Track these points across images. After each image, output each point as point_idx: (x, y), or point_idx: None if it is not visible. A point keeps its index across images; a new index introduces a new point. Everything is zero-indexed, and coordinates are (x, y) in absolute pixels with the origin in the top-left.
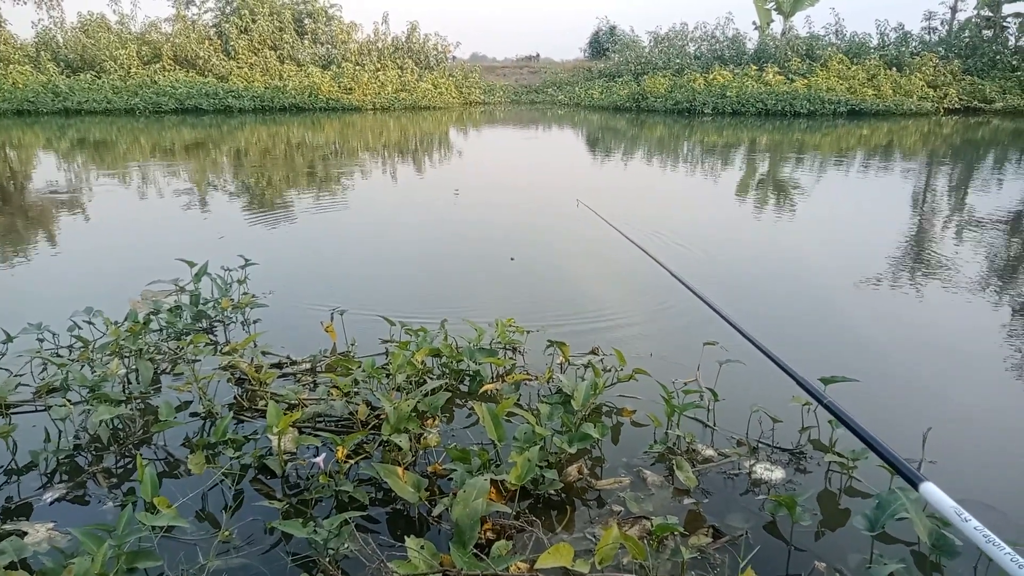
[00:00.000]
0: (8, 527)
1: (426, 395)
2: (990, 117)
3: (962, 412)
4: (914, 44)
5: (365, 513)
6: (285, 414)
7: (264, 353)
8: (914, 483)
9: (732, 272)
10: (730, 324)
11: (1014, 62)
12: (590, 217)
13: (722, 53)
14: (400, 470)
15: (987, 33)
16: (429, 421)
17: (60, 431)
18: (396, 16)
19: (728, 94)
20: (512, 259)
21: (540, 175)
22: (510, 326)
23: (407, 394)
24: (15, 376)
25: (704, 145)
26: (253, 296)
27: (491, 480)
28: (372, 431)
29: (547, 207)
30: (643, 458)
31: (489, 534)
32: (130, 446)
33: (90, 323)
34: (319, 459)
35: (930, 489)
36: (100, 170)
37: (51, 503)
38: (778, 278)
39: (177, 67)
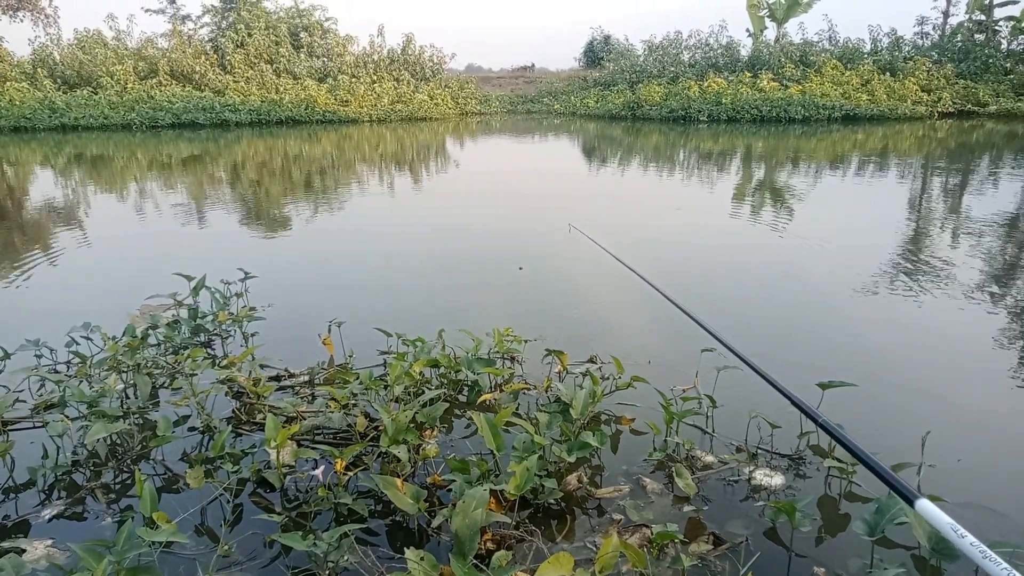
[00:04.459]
0: (6, 544)
1: (424, 406)
2: (984, 120)
3: (962, 415)
4: (907, 49)
5: (364, 525)
6: (283, 427)
7: (262, 366)
8: (909, 500)
9: (728, 276)
10: (719, 341)
11: (1007, 65)
12: (590, 225)
13: (716, 60)
14: (399, 481)
15: (979, 37)
16: (428, 432)
17: (58, 447)
18: (391, 28)
19: (723, 101)
20: (520, 268)
21: (539, 184)
22: (508, 335)
23: (405, 405)
24: (13, 392)
25: (700, 152)
26: (252, 309)
27: (490, 490)
28: (371, 443)
29: (545, 215)
30: (642, 466)
31: (489, 544)
32: (128, 461)
33: (88, 339)
34: (318, 472)
35: (925, 506)
36: (97, 186)
37: (49, 520)
38: (776, 283)
39: (173, 82)
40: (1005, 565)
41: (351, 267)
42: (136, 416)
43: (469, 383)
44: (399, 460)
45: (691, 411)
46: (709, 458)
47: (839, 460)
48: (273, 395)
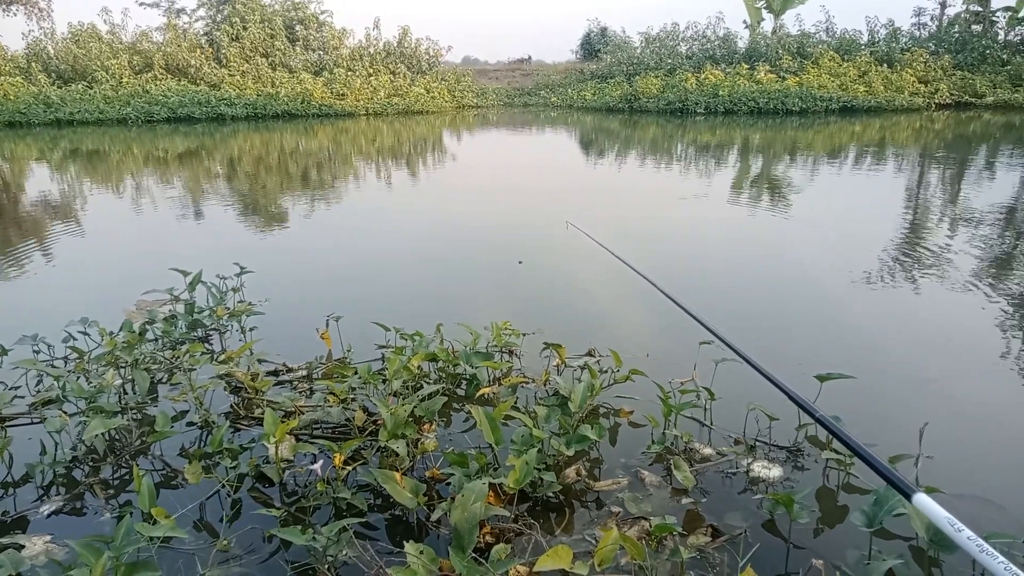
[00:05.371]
0: (5, 540)
1: (423, 400)
2: (981, 111)
3: (959, 407)
4: (904, 40)
5: (363, 519)
6: (282, 422)
7: (260, 361)
8: (907, 495)
9: (727, 269)
10: (716, 336)
11: (1004, 56)
12: (588, 217)
13: (713, 52)
14: (398, 475)
15: (976, 28)
16: (426, 426)
17: (56, 443)
18: (387, 21)
19: (720, 93)
20: (520, 263)
21: (536, 177)
22: (506, 329)
23: (404, 399)
24: (11, 389)
25: (698, 144)
26: (249, 304)
27: (489, 484)
28: (369, 437)
29: (543, 209)
30: (641, 458)
31: (488, 538)
32: (127, 457)
33: (85, 334)
34: (316, 466)
35: (923, 500)
36: (93, 181)
37: (48, 516)
38: (774, 276)
39: (169, 76)
40: (1002, 559)
41: (348, 262)
42: (134, 411)
43: (468, 377)
44: (398, 454)
45: (689, 404)
46: (707, 450)
47: (837, 452)
48: (271, 390)
